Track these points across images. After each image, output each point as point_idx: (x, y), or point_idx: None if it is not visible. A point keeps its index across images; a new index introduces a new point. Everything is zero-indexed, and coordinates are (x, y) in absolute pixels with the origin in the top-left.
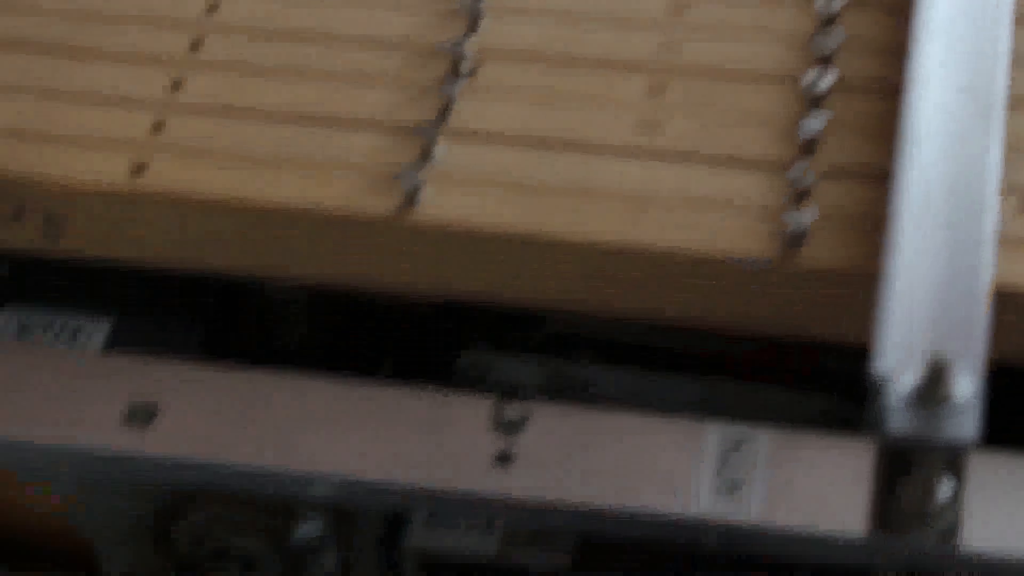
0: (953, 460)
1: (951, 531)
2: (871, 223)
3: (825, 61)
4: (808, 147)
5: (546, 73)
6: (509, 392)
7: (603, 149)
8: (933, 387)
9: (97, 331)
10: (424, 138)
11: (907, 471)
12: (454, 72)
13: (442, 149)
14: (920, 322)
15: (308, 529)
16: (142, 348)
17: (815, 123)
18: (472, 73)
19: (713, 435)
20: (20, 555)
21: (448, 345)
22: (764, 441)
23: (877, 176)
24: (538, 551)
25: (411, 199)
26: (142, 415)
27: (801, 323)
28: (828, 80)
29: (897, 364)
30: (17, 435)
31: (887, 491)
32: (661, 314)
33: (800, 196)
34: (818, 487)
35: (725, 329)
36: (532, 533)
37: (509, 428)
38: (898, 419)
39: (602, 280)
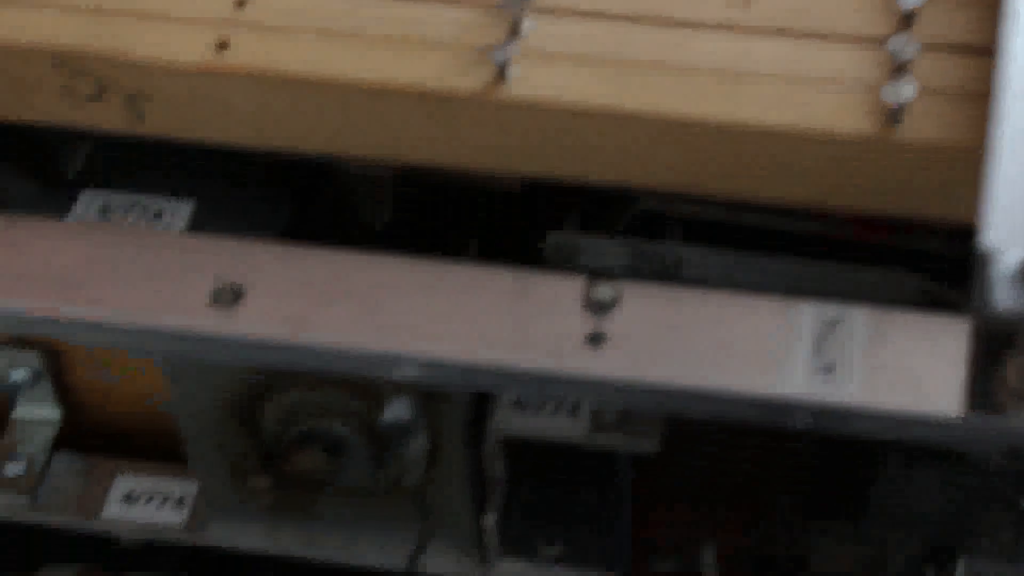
0: None
1: None
2: (973, 98)
3: None
4: (908, 20)
5: None
6: (599, 273)
7: (695, 24)
8: None
9: (179, 213)
10: (512, 13)
11: (1007, 350)
12: None
13: (531, 24)
14: None
15: (395, 411)
16: (225, 230)
17: None
18: None
19: (808, 315)
20: (110, 443)
21: (535, 226)
22: (859, 321)
23: (979, 49)
24: (625, 435)
25: (500, 75)
26: (228, 296)
27: (900, 201)
28: None
29: (1002, 240)
30: (104, 316)
31: (985, 371)
32: (754, 193)
33: (900, 70)
34: (914, 367)
35: (820, 208)
36: (619, 417)
37: (600, 308)
38: (1002, 296)
39: (694, 158)
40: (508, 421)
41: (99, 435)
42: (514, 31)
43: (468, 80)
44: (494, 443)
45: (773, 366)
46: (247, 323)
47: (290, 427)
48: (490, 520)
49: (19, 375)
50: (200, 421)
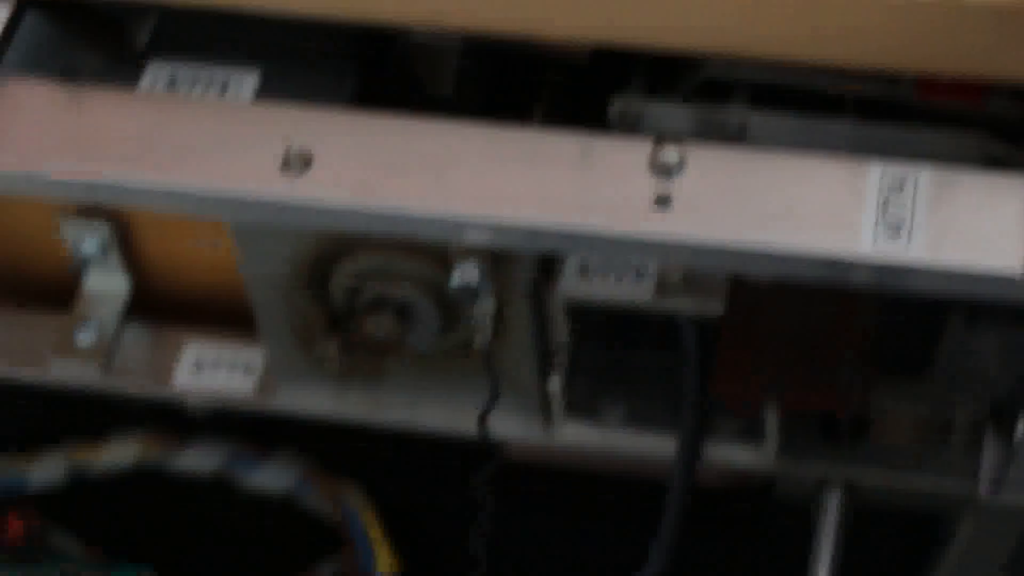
0: None
1: None
2: None
3: None
4: None
5: None
6: (665, 136)
7: None
8: None
9: (246, 82)
10: None
11: None
12: None
13: None
14: None
15: (463, 276)
16: (292, 98)
17: None
18: None
19: (873, 175)
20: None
21: (600, 92)
22: (925, 180)
23: None
24: (690, 298)
25: None
26: (298, 162)
27: (964, 62)
28: None
29: None
30: (174, 184)
31: None
32: (818, 56)
33: None
34: (978, 226)
35: (884, 70)
36: (684, 280)
37: (666, 171)
38: None
39: (759, 21)
40: (573, 286)
41: (167, 305)
42: None
43: None
44: (559, 307)
45: (839, 226)
46: (317, 189)
47: (359, 292)
48: (555, 383)
49: (89, 246)
50: (269, 288)
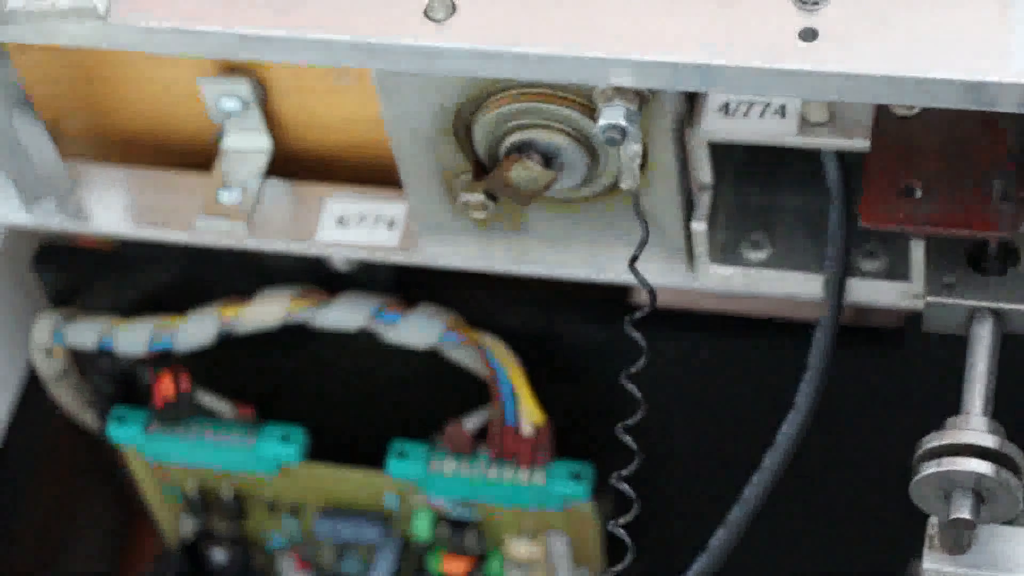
0: None
1: None
2: None
3: None
4: None
5: None
6: None
7: None
8: None
9: None
10: None
11: None
12: None
13: None
14: None
15: (608, 118)
16: None
17: None
18: None
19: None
20: (317, 172)
21: None
22: None
23: None
24: (834, 133)
25: None
26: (442, 8)
27: None
28: None
29: None
30: (318, 33)
31: None
32: None
33: None
34: None
35: None
36: (828, 116)
37: (811, 3)
38: None
39: None
40: (716, 125)
41: (305, 166)
42: None
43: None
44: (702, 147)
45: (988, 50)
46: (462, 34)
47: (504, 138)
48: (698, 226)
49: (229, 105)
50: (412, 138)
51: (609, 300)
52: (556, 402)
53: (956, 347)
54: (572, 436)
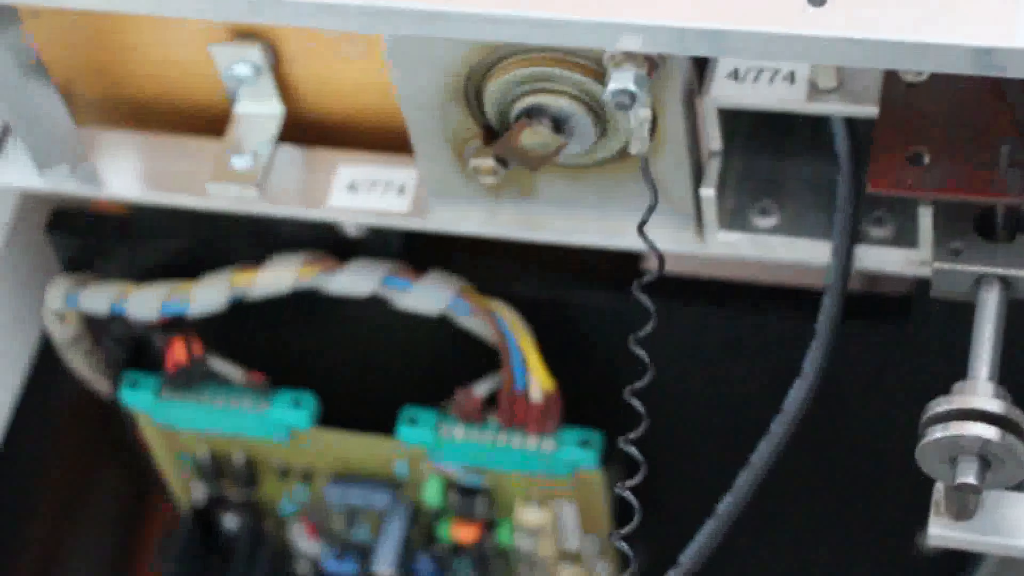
0: None
1: None
2: None
3: None
4: None
5: None
6: None
7: None
8: None
9: None
10: None
11: None
12: None
13: None
14: None
15: (618, 83)
16: None
17: None
18: None
19: None
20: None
21: None
22: None
23: None
24: (843, 99)
25: None
26: None
27: None
28: None
29: None
30: None
31: None
32: None
33: None
34: None
35: None
36: (837, 82)
37: None
38: None
39: None
40: (725, 91)
41: (316, 132)
42: None
43: None
44: (711, 113)
45: (998, 19)
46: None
47: (514, 104)
48: (707, 192)
49: (241, 70)
50: (423, 102)
51: (619, 267)
52: (566, 369)
53: (964, 314)
54: (582, 403)
